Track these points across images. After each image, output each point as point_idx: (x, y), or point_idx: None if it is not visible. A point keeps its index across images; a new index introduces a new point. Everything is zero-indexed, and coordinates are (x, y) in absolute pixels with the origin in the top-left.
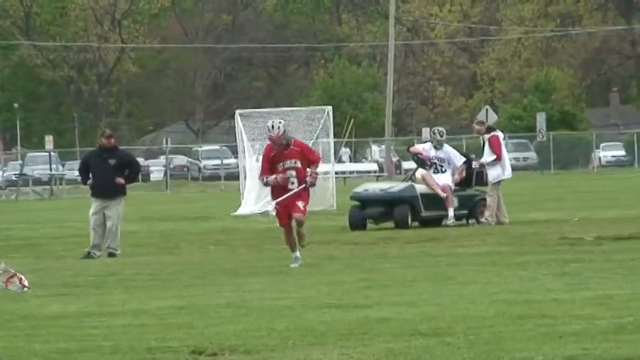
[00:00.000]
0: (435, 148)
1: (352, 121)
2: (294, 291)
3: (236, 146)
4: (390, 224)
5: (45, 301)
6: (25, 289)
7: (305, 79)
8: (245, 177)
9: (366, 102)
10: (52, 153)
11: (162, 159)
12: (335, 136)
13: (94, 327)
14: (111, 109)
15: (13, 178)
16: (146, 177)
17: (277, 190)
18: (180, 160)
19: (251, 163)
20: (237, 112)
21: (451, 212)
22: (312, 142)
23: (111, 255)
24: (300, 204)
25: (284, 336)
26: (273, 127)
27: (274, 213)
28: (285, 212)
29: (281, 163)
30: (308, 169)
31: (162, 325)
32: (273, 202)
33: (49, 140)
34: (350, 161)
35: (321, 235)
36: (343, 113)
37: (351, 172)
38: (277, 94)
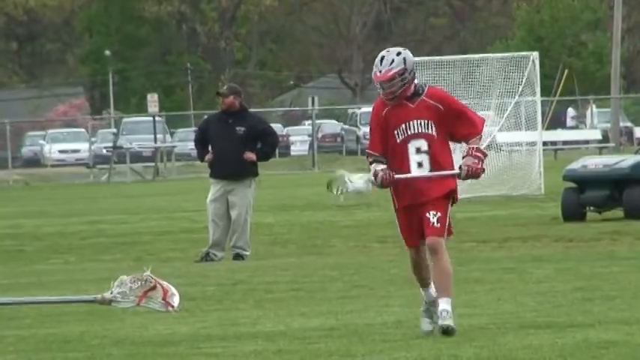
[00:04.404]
0: None
1: (566, 71)
2: (488, 305)
3: None
4: (618, 213)
5: (147, 320)
6: (170, 308)
7: (501, 15)
8: None
9: (586, 45)
10: (156, 118)
11: (306, 125)
12: (544, 92)
13: (215, 355)
14: (237, 57)
15: (105, 152)
16: (285, 151)
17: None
18: (332, 126)
19: None
20: None
21: None
22: (513, 100)
23: (237, 257)
24: (432, 216)
25: None
26: (382, 60)
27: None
28: (410, 225)
29: (401, 127)
30: (466, 145)
31: (307, 352)
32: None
33: (152, 101)
34: (576, 127)
35: (524, 228)
36: (555, 61)
37: (565, 143)
38: (463, 34)
